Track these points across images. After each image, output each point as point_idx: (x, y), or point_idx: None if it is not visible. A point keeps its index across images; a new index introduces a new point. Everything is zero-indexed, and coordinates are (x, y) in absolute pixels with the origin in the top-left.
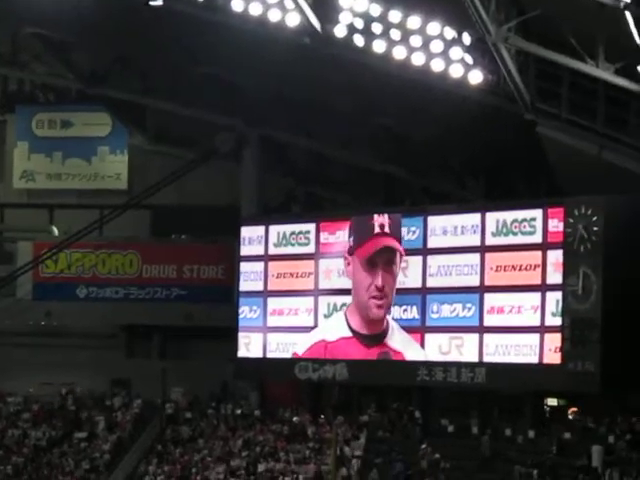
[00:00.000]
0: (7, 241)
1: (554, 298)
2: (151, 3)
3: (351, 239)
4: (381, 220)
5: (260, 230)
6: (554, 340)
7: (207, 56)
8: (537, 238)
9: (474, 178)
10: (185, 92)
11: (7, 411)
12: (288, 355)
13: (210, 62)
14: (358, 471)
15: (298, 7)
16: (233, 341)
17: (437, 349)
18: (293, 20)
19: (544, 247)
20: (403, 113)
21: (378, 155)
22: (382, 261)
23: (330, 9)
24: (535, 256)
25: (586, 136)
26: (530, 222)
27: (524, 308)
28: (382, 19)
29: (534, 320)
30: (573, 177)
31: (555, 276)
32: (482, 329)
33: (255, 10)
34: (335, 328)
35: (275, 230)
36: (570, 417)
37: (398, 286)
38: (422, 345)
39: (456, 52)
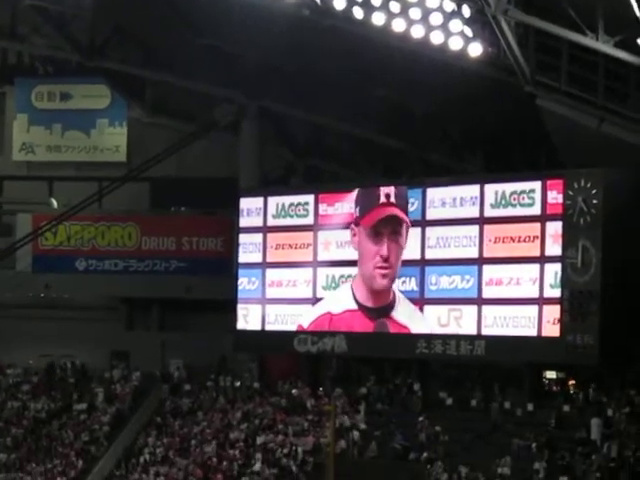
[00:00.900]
0: (6, 213)
1: (553, 270)
2: None
3: (357, 209)
4: (387, 190)
5: (259, 202)
6: (552, 312)
7: (206, 28)
8: (536, 210)
9: (473, 150)
10: (184, 64)
11: (6, 383)
12: (291, 327)
13: (210, 34)
14: (357, 443)
15: None
16: (232, 313)
17: (436, 321)
18: None
19: (543, 219)
20: (403, 85)
21: (378, 127)
22: (388, 231)
23: None
24: (534, 228)
25: (585, 109)
26: (529, 194)
27: (523, 280)
28: None
29: (533, 292)
30: (572, 150)
31: (554, 248)
32: (481, 301)
33: None
34: (341, 300)
35: (274, 201)
36: (569, 390)
37: None
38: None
39: (456, 24)
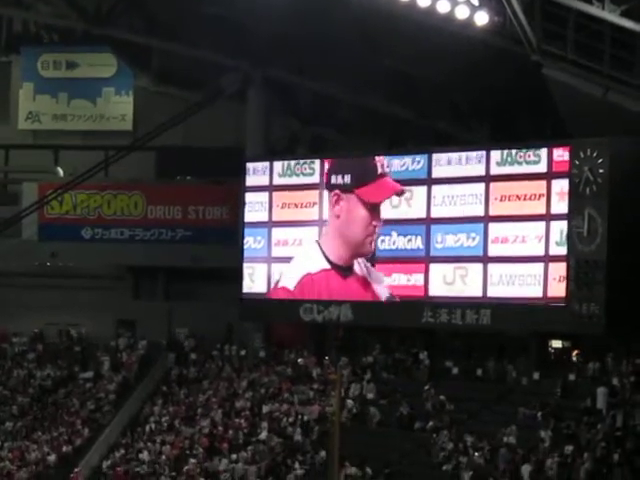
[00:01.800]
0: (12, 182)
1: (558, 228)
2: None
3: (347, 177)
4: (383, 161)
5: (265, 163)
6: (558, 269)
7: None
8: (542, 167)
9: (479, 120)
10: (190, 33)
11: (12, 351)
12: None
13: (216, 3)
14: (361, 412)
15: None
16: (238, 282)
17: (441, 279)
18: None
19: (549, 176)
20: (409, 54)
21: (384, 97)
22: (386, 203)
23: None
24: (540, 185)
25: (592, 78)
26: (535, 151)
27: (528, 238)
28: None
29: (538, 249)
30: (579, 119)
31: (559, 206)
32: (486, 259)
33: None
34: (314, 260)
35: (280, 163)
36: (574, 359)
37: (403, 216)
38: (426, 275)
39: None
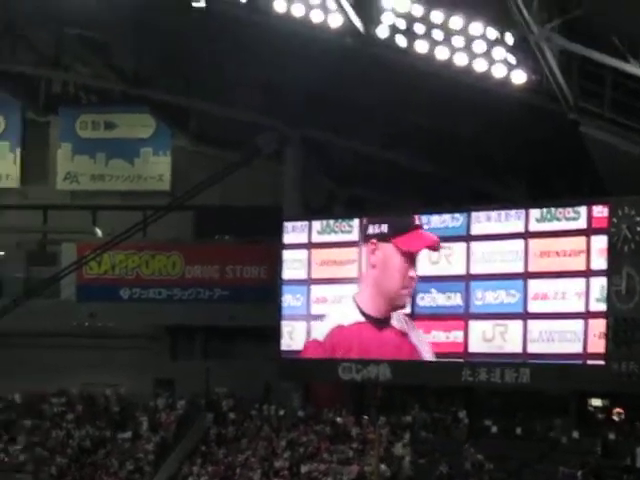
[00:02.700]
0: (51, 243)
1: (598, 284)
2: (194, 4)
3: (384, 226)
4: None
5: (303, 222)
6: (598, 326)
7: (248, 57)
8: (581, 224)
9: (516, 178)
10: (227, 93)
11: (51, 412)
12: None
13: (251, 63)
14: (401, 471)
15: (340, 8)
16: (276, 341)
17: (481, 336)
18: (335, 21)
19: (588, 232)
20: (445, 113)
21: (420, 154)
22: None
23: (372, 10)
24: (579, 242)
25: (629, 136)
26: (574, 209)
27: (568, 294)
28: (424, 19)
29: (578, 306)
30: (616, 177)
31: (599, 262)
32: (526, 315)
33: (297, 11)
34: (347, 314)
35: (318, 222)
36: (614, 418)
37: (442, 273)
38: (465, 332)
39: (499, 52)
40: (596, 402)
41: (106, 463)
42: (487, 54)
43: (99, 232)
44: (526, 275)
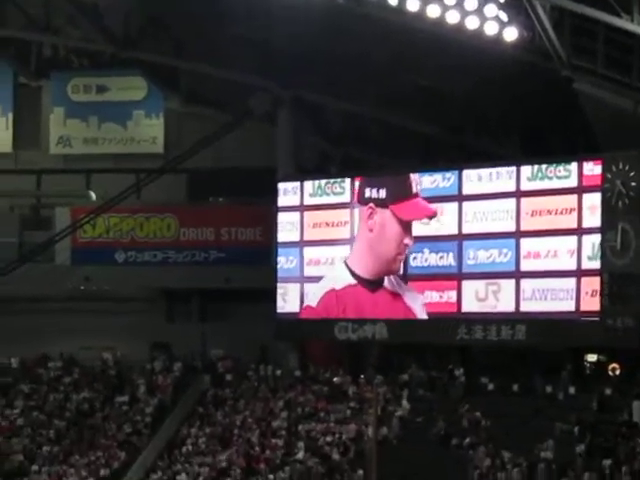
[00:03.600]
0: (45, 207)
1: (590, 242)
2: None
3: (382, 191)
4: (417, 179)
5: (296, 184)
6: (591, 284)
7: (239, 17)
8: (572, 182)
9: (510, 136)
10: (218, 54)
11: (48, 376)
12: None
13: (242, 24)
14: (399, 430)
15: None
16: (272, 303)
17: (474, 295)
18: None
19: (579, 190)
20: (438, 71)
21: (412, 114)
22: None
23: None
24: (571, 200)
25: (622, 91)
26: (565, 166)
27: (560, 252)
28: None
29: (570, 264)
30: (610, 133)
31: (591, 220)
32: (518, 274)
33: None
34: (339, 277)
35: (310, 183)
36: (610, 373)
37: (434, 233)
38: (459, 292)
39: (491, 9)
40: (592, 358)
41: (104, 426)
42: (479, 11)
43: (93, 195)
44: (518, 234)
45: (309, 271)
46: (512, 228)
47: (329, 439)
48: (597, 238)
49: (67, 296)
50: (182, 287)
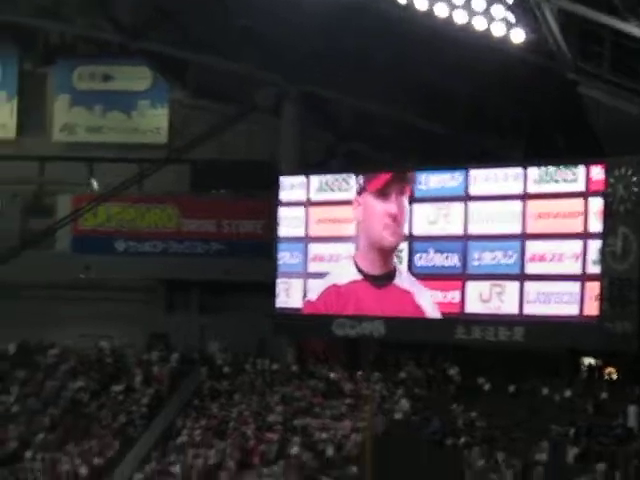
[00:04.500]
0: (47, 194)
1: (596, 246)
2: None
3: (360, 179)
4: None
5: (301, 179)
6: (595, 288)
7: (246, 10)
8: (579, 186)
9: (515, 137)
10: (226, 47)
11: (45, 363)
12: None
13: (250, 16)
14: (394, 428)
15: None
16: (272, 297)
17: (478, 296)
18: None
19: (586, 195)
20: (445, 70)
21: (419, 112)
22: (395, 189)
23: None
24: (577, 204)
25: (628, 96)
26: (572, 170)
27: (565, 256)
28: None
29: (575, 268)
30: (614, 138)
31: (597, 224)
32: (523, 277)
33: None
34: (344, 273)
35: (316, 178)
36: (607, 377)
37: (440, 233)
38: (462, 292)
39: (498, 10)
40: (589, 361)
41: (99, 415)
42: (486, 12)
43: (95, 184)
44: (524, 236)
45: (314, 267)
46: (518, 230)
47: (324, 435)
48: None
49: (67, 284)
50: (182, 278)
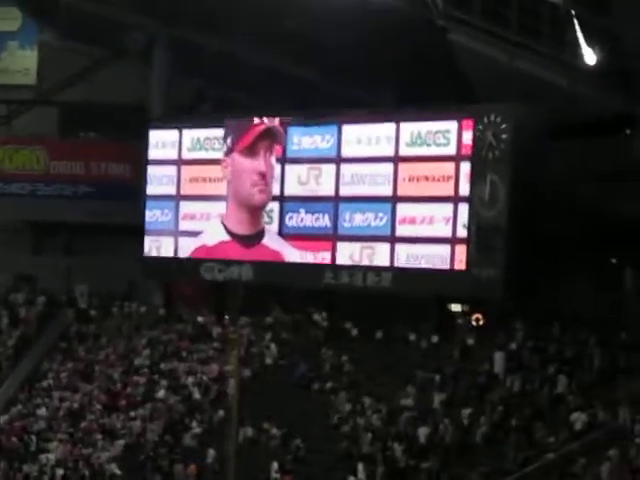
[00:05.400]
0: None
1: (466, 210)
2: None
3: (228, 140)
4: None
5: (172, 134)
6: (465, 252)
7: None
8: (451, 150)
9: (385, 85)
10: None
11: None
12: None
13: None
14: (262, 372)
15: None
16: (141, 241)
17: (348, 257)
18: None
19: (457, 159)
20: (314, 17)
21: (289, 58)
22: (263, 147)
23: None
24: (448, 167)
25: (498, 44)
26: (444, 134)
27: (436, 219)
28: None
29: (445, 231)
30: (485, 85)
31: (467, 188)
32: (393, 239)
33: None
34: (214, 234)
35: (188, 135)
36: (473, 323)
37: (311, 194)
38: (333, 253)
39: None
40: (456, 307)
41: None
42: None
43: None
44: (395, 198)
45: (184, 226)
46: (389, 192)
47: (191, 379)
48: None
49: None
50: (49, 220)
